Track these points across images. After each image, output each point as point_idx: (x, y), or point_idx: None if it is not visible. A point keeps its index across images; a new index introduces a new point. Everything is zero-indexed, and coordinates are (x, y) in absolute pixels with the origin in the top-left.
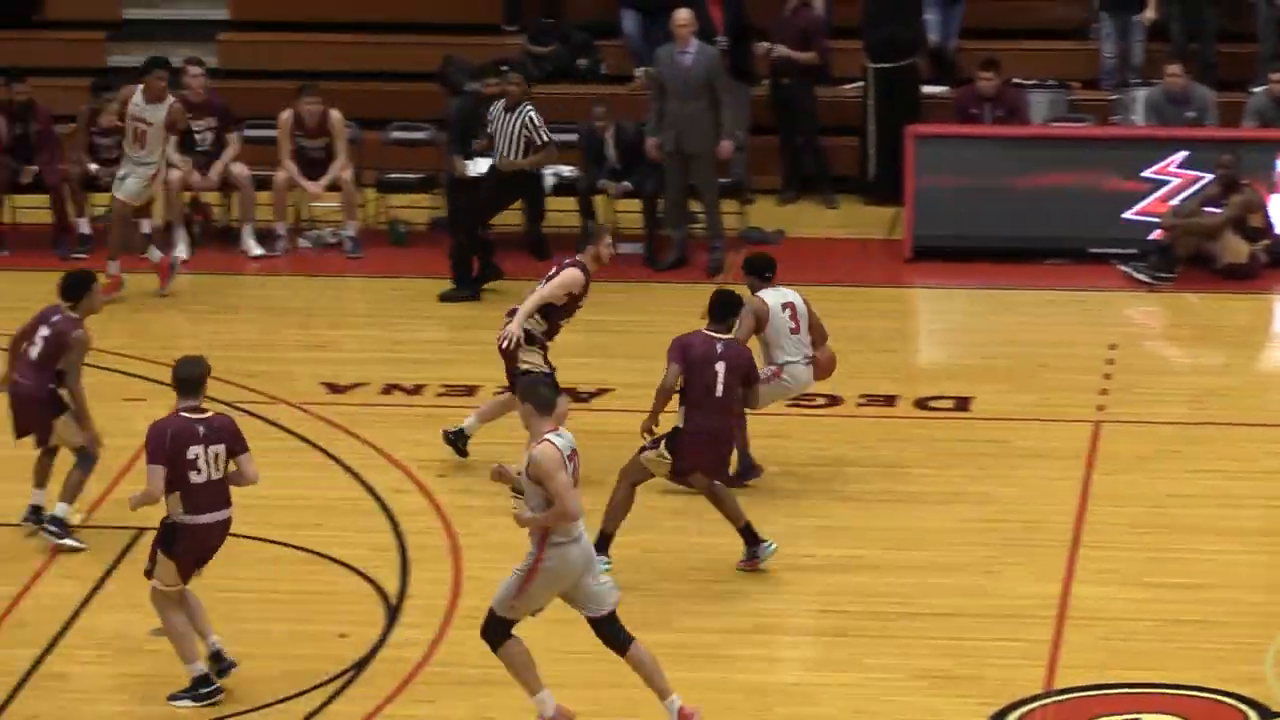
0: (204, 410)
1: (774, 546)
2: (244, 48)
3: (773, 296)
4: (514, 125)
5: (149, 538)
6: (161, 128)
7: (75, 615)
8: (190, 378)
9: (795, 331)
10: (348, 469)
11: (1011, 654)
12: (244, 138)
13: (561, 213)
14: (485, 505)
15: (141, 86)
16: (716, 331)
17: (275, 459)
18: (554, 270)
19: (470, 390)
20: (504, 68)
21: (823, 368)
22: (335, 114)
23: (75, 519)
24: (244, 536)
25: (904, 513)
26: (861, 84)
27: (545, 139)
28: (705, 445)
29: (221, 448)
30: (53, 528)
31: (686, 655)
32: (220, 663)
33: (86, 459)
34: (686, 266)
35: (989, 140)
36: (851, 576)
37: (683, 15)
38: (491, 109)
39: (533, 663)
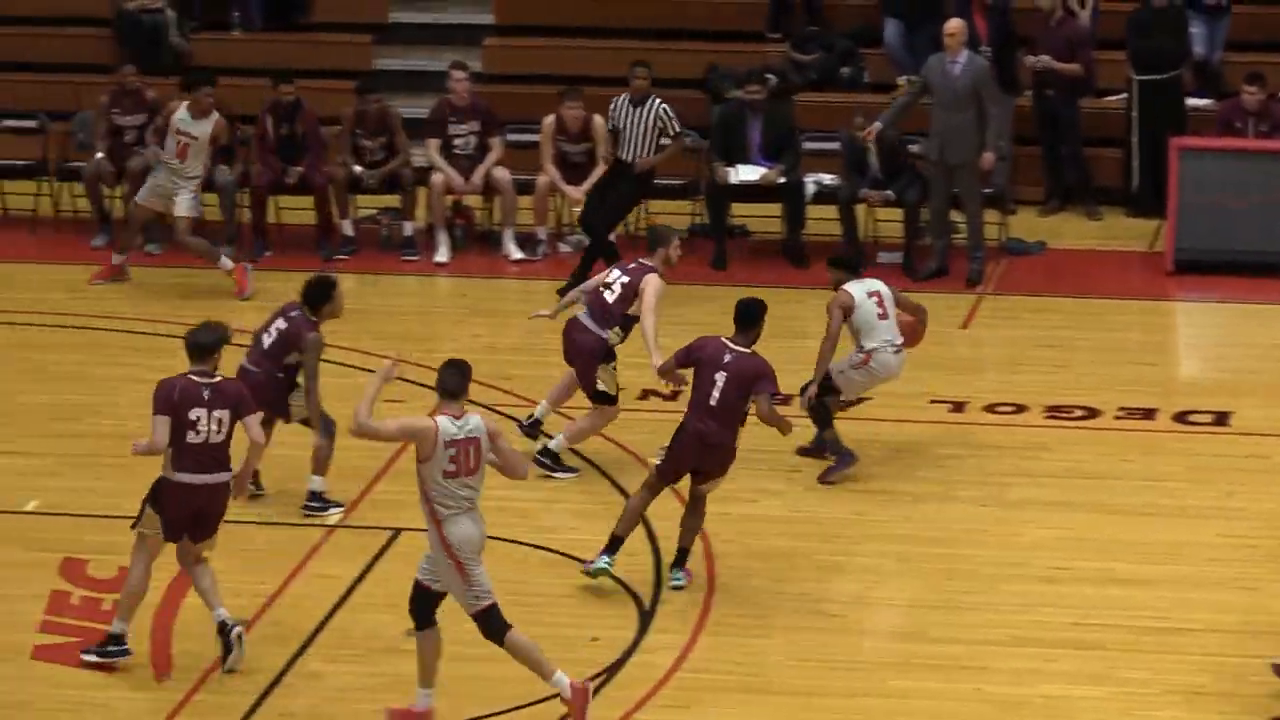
0: (213, 375)
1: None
2: (509, 52)
3: (858, 287)
4: (646, 119)
5: (407, 539)
6: (206, 142)
7: (330, 614)
8: (201, 343)
9: (884, 318)
10: (602, 472)
11: (1268, 671)
12: (507, 142)
13: (821, 221)
14: (740, 512)
15: (186, 102)
16: (738, 342)
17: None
18: (618, 274)
19: None
20: (767, 75)
21: (909, 335)
22: (598, 119)
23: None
24: (496, 539)
25: (1160, 526)
26: (1125, 96)
27: (677, 129)
28: (690, 448)
29: (226, 413)
30: (313, 504)
31: (939, 666)
32: (225, 634)
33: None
34: (946, 276)
35: (1252, 154)
36: (1106, 589)
37: (954, 25)
38: (614, 104)
39: (537, 646)
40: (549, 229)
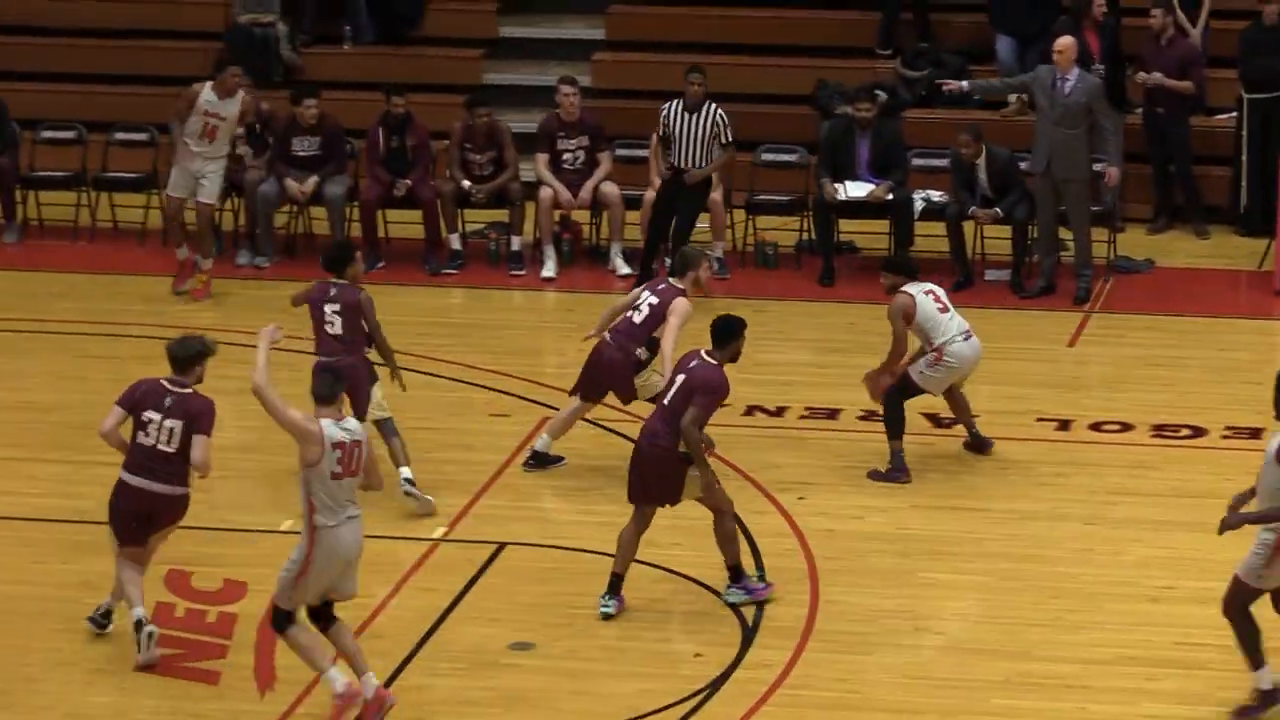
0: (186, 387)
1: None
2: (618, 67)
3: (914, 288)
4: (702, 125)
5: (510, 553)
6: (233, 123)
7: (433, 628)
8: (179, 356)
9: (944, 311)
10: None
11: None
12: (615, 157)
13: (929, 238)
14: (846, 529)
15: (211, 83)
16: (712, 356)
17: None
18: (647, 295)
19: (833, 413)
20: (876, 91)
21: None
22: None
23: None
24: (601, 554)
25: None
26: (1235, 114)
27: (729, 138)
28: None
29: (179, 424)
30: (408, 488)
31: (1042, 685)
32: (104, 623)
33: (388, 426)
34: (1053, 294)
35: None
36: (1210, 609)
37: (1064, 42)
38: (667, 110)
39: (318, 644)
40: None
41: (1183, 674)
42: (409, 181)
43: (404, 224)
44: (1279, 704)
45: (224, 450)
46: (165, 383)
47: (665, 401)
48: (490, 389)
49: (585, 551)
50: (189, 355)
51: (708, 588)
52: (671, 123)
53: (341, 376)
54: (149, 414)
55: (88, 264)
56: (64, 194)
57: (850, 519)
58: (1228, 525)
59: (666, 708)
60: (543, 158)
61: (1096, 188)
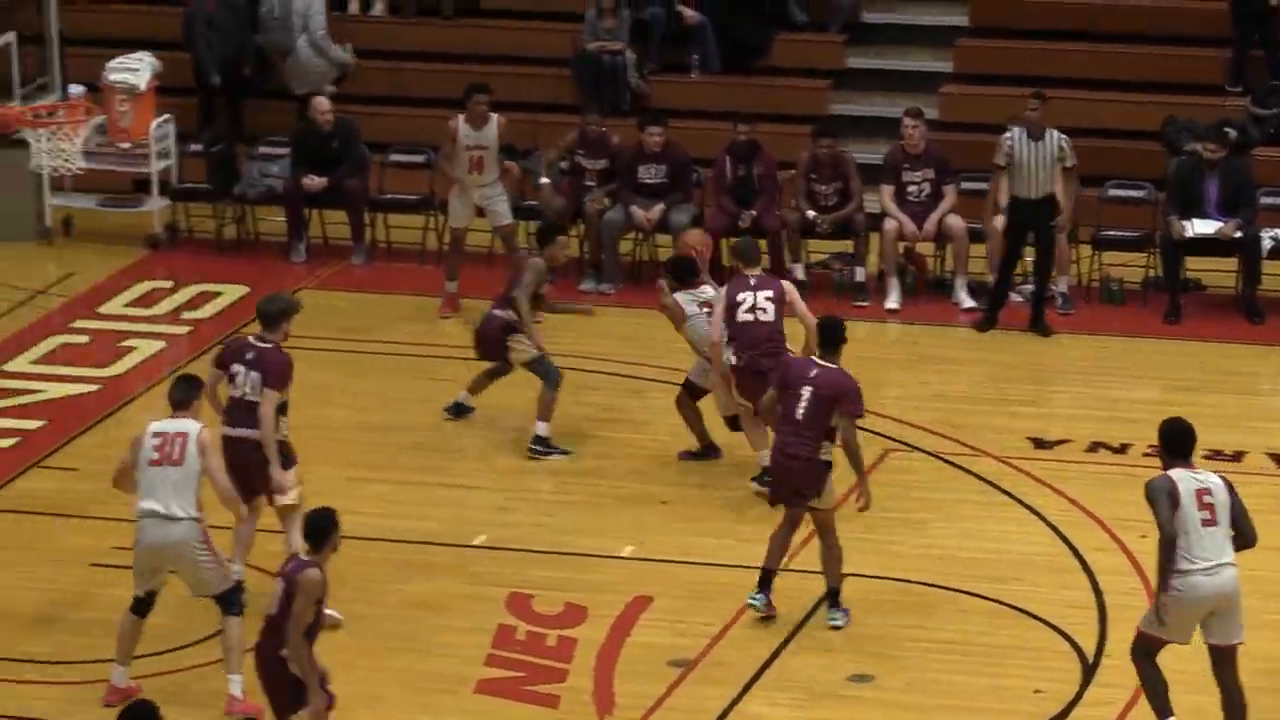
0: (268, 342)
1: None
2: (965, 100)
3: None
4: (1044, 152)
5: (850, 584)
6: (495, 148)
7: (773, 657)
8: (267, 312)
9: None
10: (1049, 524)
11: None
12: (960, 190)
13: (1278, 276)
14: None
15: (463, 116)
16: (829, 359)
17: (976, 511)
18: (753, 296)
19: None
20: (1226, 129)
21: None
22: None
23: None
24: (939, 587)
25: None
26: None
27: (1073, 162)
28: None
29: (259, 376)
30: (537, 447)
31: None
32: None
33: (549, 375)
34: None
35: None
36: None
37: None
38: (1010, 139)
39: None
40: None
41: None
42: (754, 213)
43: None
44: None
45: (565, 475)
46: (251, 338)
47: (798, 417)
48: None
49: (924, 584)
50: (276, 311)
51: (1046, 623)
52: (1016, 150)
53: (198, 384)
54: (235, 367)
55: (434, 287)
56: (412, 217)
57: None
58: None
59: None
60: (888, 189)
61: None
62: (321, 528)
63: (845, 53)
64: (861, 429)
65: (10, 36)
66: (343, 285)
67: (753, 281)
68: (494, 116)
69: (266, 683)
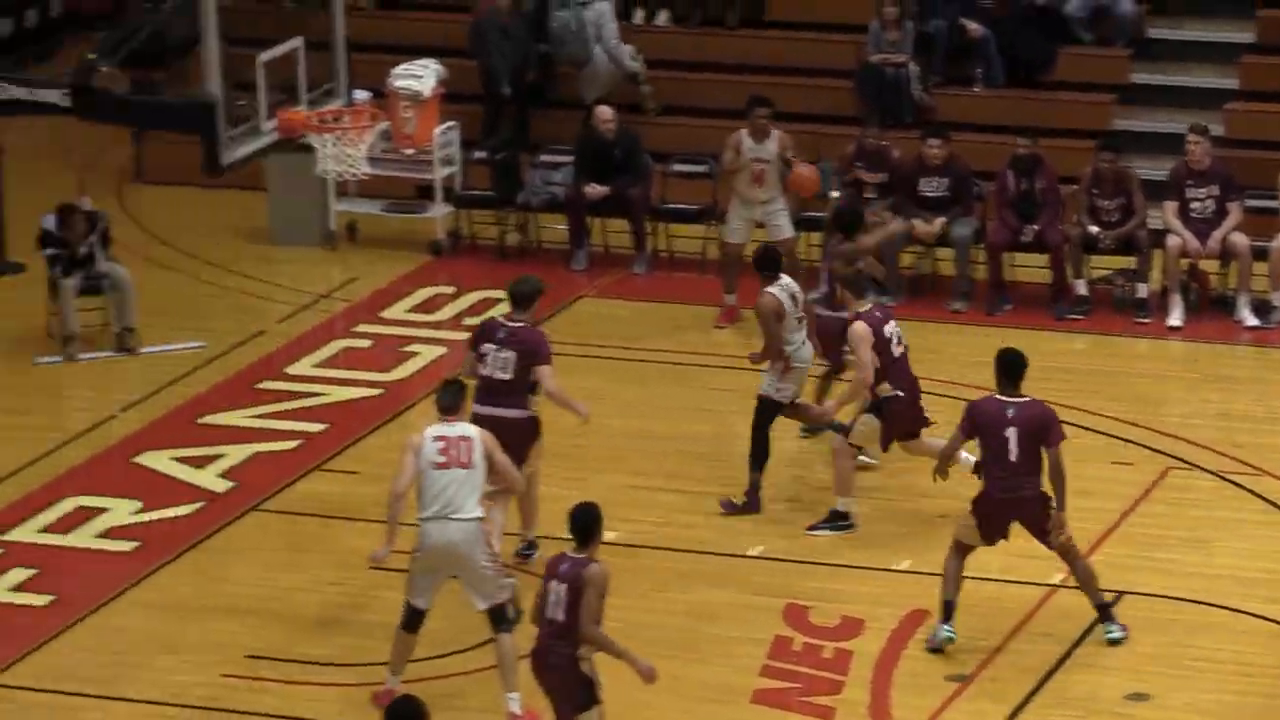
0: (520, 322)
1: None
2: (1250, 117)
3: None
4: None
5: (1130, 602)
6: (776, 162)
7: (1050, 674)
8: (518, 293)
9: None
10: None
11: None
12: (1245, 207)
13: None
14: None
15: (746, 129)
16: (1019, 394)
17: (1257, 531)
18: (894, 328)
19: None
20: None
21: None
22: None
23: None
24: (1219, 606)
25: None
26: None
27: None
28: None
29: (512, 354)
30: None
31: None
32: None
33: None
34: None
35: None
36: None
37: None
38: None
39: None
40: None
41: None
42: (1036, 227)
43: (1031, 267)
44: None
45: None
46: (501, 319)
47: (1012, 460)
48: (1111, 436)
49: (1204, 604)
50: (527, 292)
51: None
52: None
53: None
54: (486, 346)
55: (714, 297)
56: (693, 227)
57: None
58: None
59: None
60: (1171, 205)
61: None
62: (587, 524)
63: (1130, 68)
64: (1143, 446)
65: (298, 42)
66: (622, 294)
67: (879, 314)
68: (775, 132)
69: (559, 687)
